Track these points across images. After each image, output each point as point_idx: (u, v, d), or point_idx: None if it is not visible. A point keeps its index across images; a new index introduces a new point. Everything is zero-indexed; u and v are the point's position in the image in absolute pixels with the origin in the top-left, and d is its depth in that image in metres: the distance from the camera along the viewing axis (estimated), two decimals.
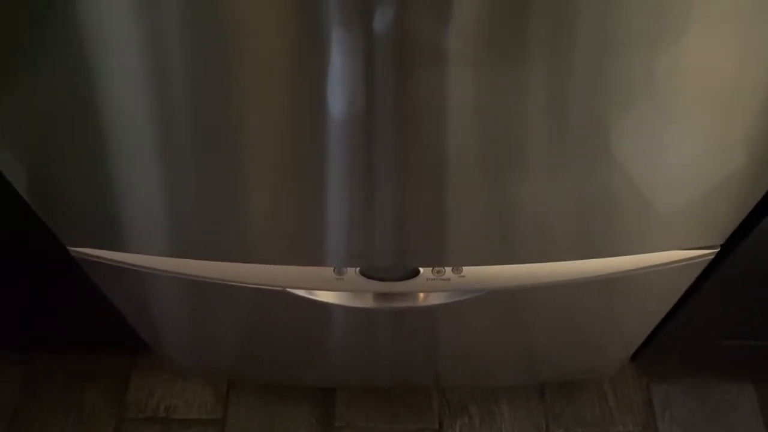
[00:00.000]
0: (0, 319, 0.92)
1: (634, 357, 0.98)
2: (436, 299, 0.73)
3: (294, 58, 0.44)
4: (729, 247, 0.67)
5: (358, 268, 0.66)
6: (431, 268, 0.67)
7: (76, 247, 0.67)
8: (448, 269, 0.67)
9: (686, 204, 0.59)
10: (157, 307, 0.79)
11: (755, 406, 1.08)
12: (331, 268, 0.66)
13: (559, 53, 0.43)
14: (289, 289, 0.70)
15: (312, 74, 0.45)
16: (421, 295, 0.73)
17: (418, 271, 0.67)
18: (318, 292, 0.72)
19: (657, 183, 0.56)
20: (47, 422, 1.07)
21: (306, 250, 0.64)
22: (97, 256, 0.67)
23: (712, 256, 0.68)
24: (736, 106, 0.49)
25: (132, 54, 0.44)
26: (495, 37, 0.42)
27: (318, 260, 0.65)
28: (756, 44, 0.44)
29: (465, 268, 0.67)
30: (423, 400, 1.09)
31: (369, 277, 0.67)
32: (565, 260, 0.66)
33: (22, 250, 0.75)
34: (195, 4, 0.40)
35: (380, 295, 0.73)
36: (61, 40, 0.43)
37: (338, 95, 0.46)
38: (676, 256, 0.66)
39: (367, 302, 0.73)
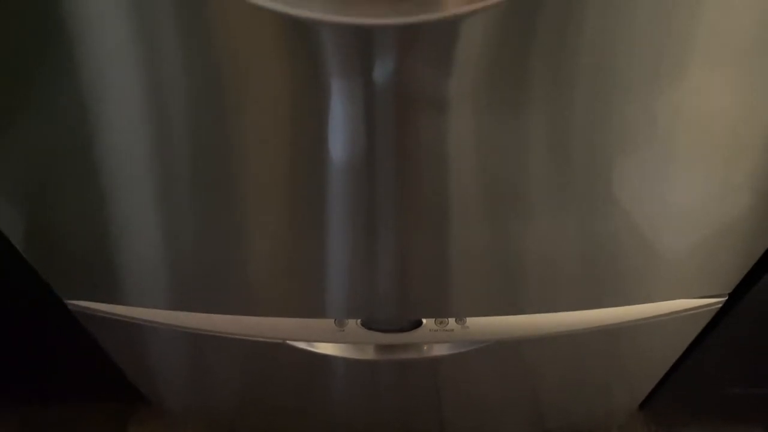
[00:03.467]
0: None
1: (642, 405, 0.96)
2: (439, 350, 0.71)
3: (295, 108, 0.44)
4: (737, 295, 0.66)
5: (359, 320, 0.65)
6: (434, 319, 0.65)
7: (72, 299, 0.66)
8: (452, 320, 0.66)
9: (692, 251, 0.58)
10: (155, 358, 0.78)
11: None
12: (332, 320, 0.65)
13: (559, 99, 0.43)
14: (289, 342, 0.69)
15: (313, 123, 0.45)
16: (425, 346, 0.72)
17: (421, 322, 0.66)
18: (319, 344, 0.70)
19: (662, 229, 0.56)
20: None
21: (306, 302, 0.63)
22: (95, 309, 0.66)
23: (720, 305, 0.67)
24: (739, 151, 0.49)
25: (132, 105, 0.44)
26: (494, 84, 0.42)
27: (319, 312, 0.64)
28: (756, 88, 0.44)
29: (469, 319, 0.65)
30: None
31: (371, 328, 0.66)
32: (570, 311, 0.65)
33: (19, 302, 0.74)
34: (196, 54, 0.40)
35: (382, 347, 0.72)
36: (60, 92, 0.43)
37: (339, 143, 0.46)
38: (684, 305, 0.65)
39: (369, 354, 0.72)
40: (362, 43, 0.39)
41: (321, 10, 0.38)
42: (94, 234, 0.55)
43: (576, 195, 0.51)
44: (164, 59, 0.41)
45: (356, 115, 0.44)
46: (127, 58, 0.41)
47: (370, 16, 0.38)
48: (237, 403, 0.93)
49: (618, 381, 0.84)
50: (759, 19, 0.40)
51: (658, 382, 0.87)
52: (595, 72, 0.42)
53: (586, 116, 0.45)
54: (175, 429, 1.09)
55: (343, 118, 0.44)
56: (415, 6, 0.37)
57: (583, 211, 0.53)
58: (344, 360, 0.72)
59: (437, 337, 0.68)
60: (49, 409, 1.11)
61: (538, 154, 0.48)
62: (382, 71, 0.41)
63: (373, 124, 0.44)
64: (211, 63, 0.41)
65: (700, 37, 0.41)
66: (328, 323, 0.65)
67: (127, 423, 1.10)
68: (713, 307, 0.67)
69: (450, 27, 0.39)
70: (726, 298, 0.66)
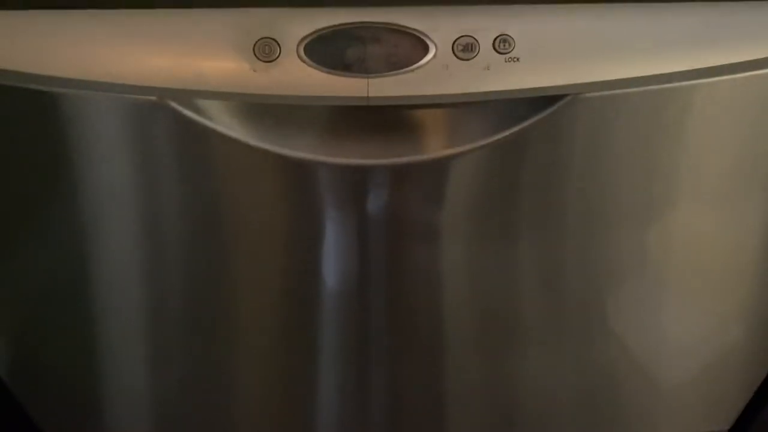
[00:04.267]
0: None
1: None
2: None
3: (288, 237, 0.45)
4: (738, 429, 0.64)
5: None
6: None
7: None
8: None
9: (689, 382, 0.58)
10: None
11: None
12: None
13: (548, 232, 0.44)
14: None
15: (306, 251, 0.45)
16: None
17: None
18: None
19: (657, 359, 0.55)
20: None
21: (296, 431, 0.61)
22: None
23: None
24: (730, 280, 0.49)
25: (126, 236, 0.44)
26: (485, 217, 0.43)
27: None
28: (743, 218, 0.45)
29: None
30: None
31: None
32: None
33: None
34: (192, 187, 0.42)
35: None
36: (51, 230, 0.44)
37: (332, 272, 0.46)
38: None
39: None
40: (354, 180, 0.41)
41: (314, 151, 0.39)
42: (81, 365, 0.54)
43: (570, 325, 0.51)
44: (161, 193, 0.42)
45: (349, 244, 0.45)
46: (124, 192, 0.42)
47: (361, 157, 0.39)
48: None
49: None
50: (738, 154, 0.42)
51: None
52: (583, 205, 0.43)
53: (577, 247, 0.45)
54: None
55: (335, 247, 0.45)
56: (403, 148, 0.39)
57: (578, 340, 0.52)
58: None
59: None
60: None
61: (530, 284, 0.48)
62: (374, 205, 0.42)
63: (366, 253, 0.45)
64: (206, 195, 0.42)
65: (684, 175, 0.42)
66: None
67: None
68: None
69: (438, 166, 0.40)
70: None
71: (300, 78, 0.39)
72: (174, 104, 0.39)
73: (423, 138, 0.42)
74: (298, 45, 0.38)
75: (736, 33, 0.41)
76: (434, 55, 0.39)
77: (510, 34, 0.38)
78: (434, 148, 0.41)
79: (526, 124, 0.40)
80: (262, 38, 0.38)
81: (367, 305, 0.49)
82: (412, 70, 0.39)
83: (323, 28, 0.38)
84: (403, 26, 0.38)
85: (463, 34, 0.38)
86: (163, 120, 0.40)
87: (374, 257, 0.45)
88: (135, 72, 0.39)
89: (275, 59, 0.38)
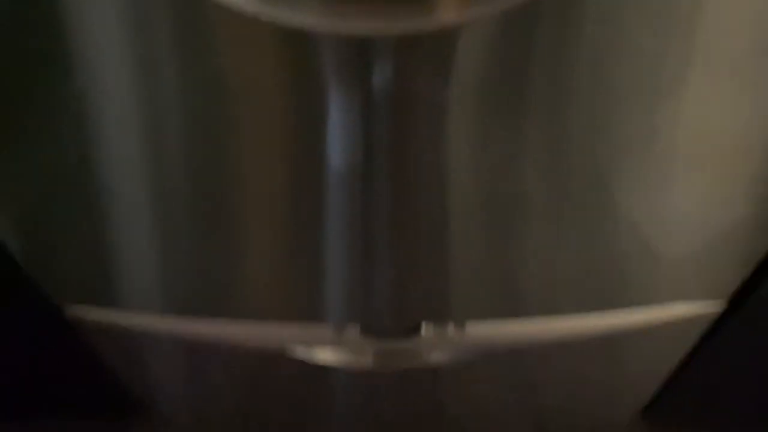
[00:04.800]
0: None
1: (644, 411, 0.96)
2: (438, 358, 0.71)
3: (291, 116, 0.44)
4: (737, 301, 0.66)
5: (358, 326, 0.65)
6: (433, 325, 0.65)
7: (68, 303, 0.66)
8: (451, 325, 0.65)
9: (692, 255, 0.59)
10: (153, 367, 0.78)
11: None
12: (330, 326, 0.65)
13: (558, 107, 0.44)
14: (287, 350, 0.69)
15: (309, 131, 0.45)
16: (424, 352, 0.71)
17: (420, 328, 0.65)
18: (317, 352, 0.70)
19: (662, 234, 0.56)
20: None
21: (304, 308, 0.63)
22: (90, 314, 0.66)
23: (721, 309, 0.66)
24: (738, 157, 0.49)
25: (127, 111, 0.44)
26: (494, 93, 0.42)
27: (316, 318, 0.64)
28: (758, 95, 0.44)
29: (468, 324, 0.65)
30: None
31: (369, 333, 0.66)
32: (571, 313, 0.64)
33: (15, 312, 0.74)
34: (191, 63, 0.41)
35: (381, 353, 0.71)
36: (55, 101, 0.43)
37: (336, 151, 0.46)
38: (684, 309, 0.65)
39: (368, 360, 0.72)
40: (358, 52, 0.39)
41: (317, 19, 0.38)
42: (90, 238, 0.55)
43: (575, 201, 0.51)
44: (159, 68, 0.41)
45: (353, 123, 0.44)
46: (123, 63, 0.41)
47: (365, 25, 0.38)
48: (235, 413, 0.92)
49: (619, 387, 0.84)
50: (757, 27, 0.40)
51: (660, 388, 0.87)
52: (594, 79, 0.42)
53: (586, 123, 0.45)
54: None
55: (340, 126, 0.44)
56: (410, 16, 0.37)
57: (584, 216, 0.53)
58: (342, 366, 0.72)
59: (437, 343, 0.68)
60: (46, 423, 1.10)
61: (536, 161, 0.48)
62: (379, 80, 0.41)
63: (371, 131, 0.45)
64: (206, 72, 0.41)
65: (699, 48, 0.41)
66: (326, 330, 0.65)
67: None
68: (714, 312, 0.67)
69: (446, 37, 0.39)
70: (726, 303, 0.66)
71: None
72: None
73: (432, 6, 0.40)
74: None
75: None
76: None
77: None
78: (444, 17, 0.39)
79: None
80: None
81: (372, 182, 0.48)
82: None
83: None
84: None
85: None
86: None
87: (379, 133, 0.45)
88: None
89: None
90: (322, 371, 0.73)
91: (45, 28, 0.40)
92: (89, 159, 0.46)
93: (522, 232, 0.53)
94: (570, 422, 0.96)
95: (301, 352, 0.70)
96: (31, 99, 0.43)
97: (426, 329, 0.66)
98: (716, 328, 0.71)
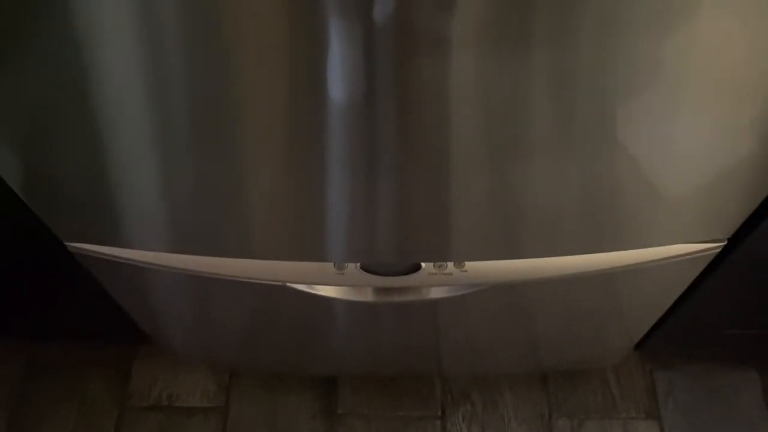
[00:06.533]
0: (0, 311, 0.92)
1: (638, 345, 0.98)
2: (437, 293, 0.72)
3: (292, 49, 0.43)
4: (735, 240, 0.66)
5: (358, 264, 0.66)
6: (433, 263, 0.66)
7: (72, 242, 0.66)
8: (450, 264, 0.66)
9: (693, 197, 0.58)
10: (157, 300, 0.79)
11: (759, 394, 1.07)
12: (332, 264, 0.66)
13: (563, 38, 0.42)
14: (289, 284, 0.69)
15: (311, 64, 0.44)
16: (423, 289, 0.72)
17: (420, 266, 0.66)
18: (318, 287, 0.71)
19: (664, 174, 0.55)
20: (49, 411, 1.07)
21: (306, 246, 0.64)
22: (95, 252, 0.66)
23: (719, 250, 0.67)
24: (744, 95, 0.48)
25: (127, 47, 0.43)
26: (498, 22, 0.41)
27: (318, 255, 0.65)
28: (764, 30, 0.43)
29: (467, 263, 0.66)
30: (426, 388, 1.09)
31: (370, 271, 0.67)
32: (569, 255, 0.65)
33: (21, 244, 0.74)
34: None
35: (381, 290, 0.72)
36: (54, 35, 0.42)
37: (338, 85, 0.45)
38: (682, 249, 0.66)
39: (368, 297, 0.73)
40: None
41: None
42: (93, 176, 0.55)
43: (579, 137, 0.51)
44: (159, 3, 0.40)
45: (356, 56, 0.43)
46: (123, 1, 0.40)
47: None
48: (238, 345, 0.94)
49: (614, 323, 0.86)
50: None
51: (654, 324, 0.88)
52: (600, 11, 0.41)
53: (591, 58, 0.44)
54: (178, 369, 1.11)
55: (342, 59, 0.43)
56: None
57: (585, 154, 0.52)
58: (343, 302, 0.73)
59: (436, 281, 0.68)
60: (54, 347, 1.13)
61: (540, 96, 0.47)
62: (381, 10, 0.40)
63: (373, 64, 0.44)
64: (208, 3, 0.40)
65: None
66: (328, 266, 0.66)
67: (132, 362, 1.12)
68: (711, 252, 0.67)
69: None
70: (725, 243, 0.66)
71: None
72: None
73: None
74: None
75: None
76: None
77: None
78: None
79: None
80: None
81: (375, 116, 0.48)
82: None
83: None
84: None
85: None
86: None
87: (381, 66, 0.44)
88: None
89: None
90: (323, 303, 0.74)
91: None
92: (88, 87, 0.45)
93: (523, 170, 0.53)
94: (563, 357, 0.98)
95: (302, 288, 0.71)
96: (28, 25, 0.42)
97: (426, 268, 0.66)
98: (713, 267, 0.72)
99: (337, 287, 0.72)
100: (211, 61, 0.44)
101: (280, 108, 0.48)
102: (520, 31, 0.42)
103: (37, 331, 1.04)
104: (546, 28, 0.42)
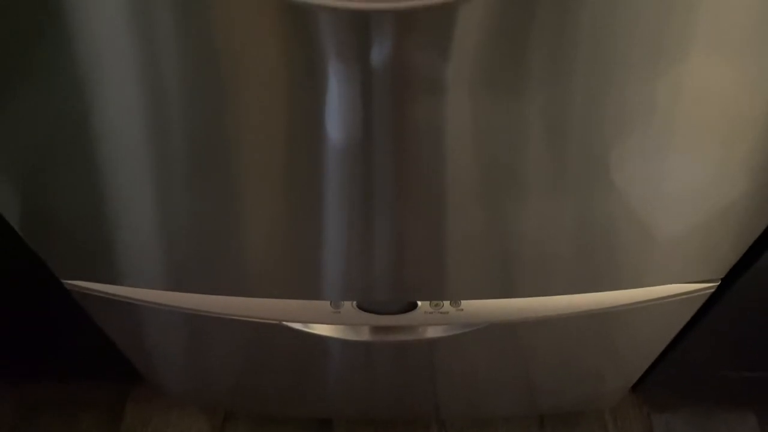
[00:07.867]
0: None
1: (635, 387, 0.97)
2: (434, 333, 0.72)
3: (292, 91, 0.44)
4: (730, 280, 0.66)
5: (355, 302, 0.66)
6: (429, 302, 0.66)
7: (69, 279, 0.66)
8: (447, 303, 0.66)
9: (687, 236, 0.59)
10: (152, 338, 0.78)
11: None
12: (328, 302, 0.66)
13: (557, 81, 0.43)
14: (285, 323, 0.69)
15: (310, 106, 0.44)
16: (420, 328, 0.72)
17: (416, 305, 0.66)
18: (314, 326, 0.71)
19: (658, 214, 0.56)
20: None
21: (302, 284, 0.64)
22: (91, 289, 0.66)
23: (713, 290, 0.67)
24: (736, 134, 0.49)
25: (127, 85, 0.43)
26: (492, 67, 0.42)
27: (314, 294, 0.65)
28: (755, 72, 0.44)
29: (463, 302, 0.66)
30: (422, 431, 1.07)
31: (366, 310, 0.67)
32: (564, 294, 0.65)
33: (17, 280, 0.74)
34: (191, 37, 0.40)
35: (377, 328, 0.72)
36: (55, 70, 0.43)
37: (336, 126, 0.46)
38: (677, 289, 0.66)
39: (365, 335, 0.72)
40: (358, 27, 0.39)
41: None
42: (91, 214, 0.55)
43: (572, 177, 0.51)
44: (159, 41, 0.41)
45: (353, 98, 0.44)
46: (123, 37, 0.41)
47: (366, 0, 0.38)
48: (233, 386, 0.93)
49: (611, 364, 0.85)
50: (759, 3, 0.40)
51: (651, 365, 0.87)
52: (593, 54, 0.42)
53: (584, 98, 0.45)
54: (172, 410, 1.10)
55: (340, 101, 0.44)
56: None
57: (580, 193, 0.53)
58: (340, 341, 0.73)
59: (432, 320, 0.68)
60: (47, 387, 1.11)
61: (535, 136, 0.48)
62: (378, 55, 0.41)
63: (370, 107, 0.44)
64: (207, 46, 0.41)
65: (701, 20, 0.40)
66: (323, 305, 0.66)
67: (126, 402, 1.11)
68: (706, 292, 0.67)
69: (447, 11, 0.39)
70: (719, 283, 0.66)
71: None
72: None
73: None
74: None
75: None
76: None
77: None
78: None
79: None
80: None
81: (371, 157, 0.48)
82: None
83: None
84: None
85: None
86: None
87: (378, 109, 0.44)
88: None
89: None
90: (319, 342, 0.74)
91: None
92: (88, 127, 0.46)
93: (518, 210, 0.53)
94: (561, 399, 0.97)
95: (298, 326, 0.70)
96: (28, 65, 0.42)
97: (422, 307, 0.66)
98: (708, 307, 0.72)
99: (333, 326, 0.72)
100: (208, 102, 0.44)
101: (277, 148, 0.49)
102: (513, 74, 0.43)
103: (30, 371, 1.03)
104: (540, 72, 0.42)
